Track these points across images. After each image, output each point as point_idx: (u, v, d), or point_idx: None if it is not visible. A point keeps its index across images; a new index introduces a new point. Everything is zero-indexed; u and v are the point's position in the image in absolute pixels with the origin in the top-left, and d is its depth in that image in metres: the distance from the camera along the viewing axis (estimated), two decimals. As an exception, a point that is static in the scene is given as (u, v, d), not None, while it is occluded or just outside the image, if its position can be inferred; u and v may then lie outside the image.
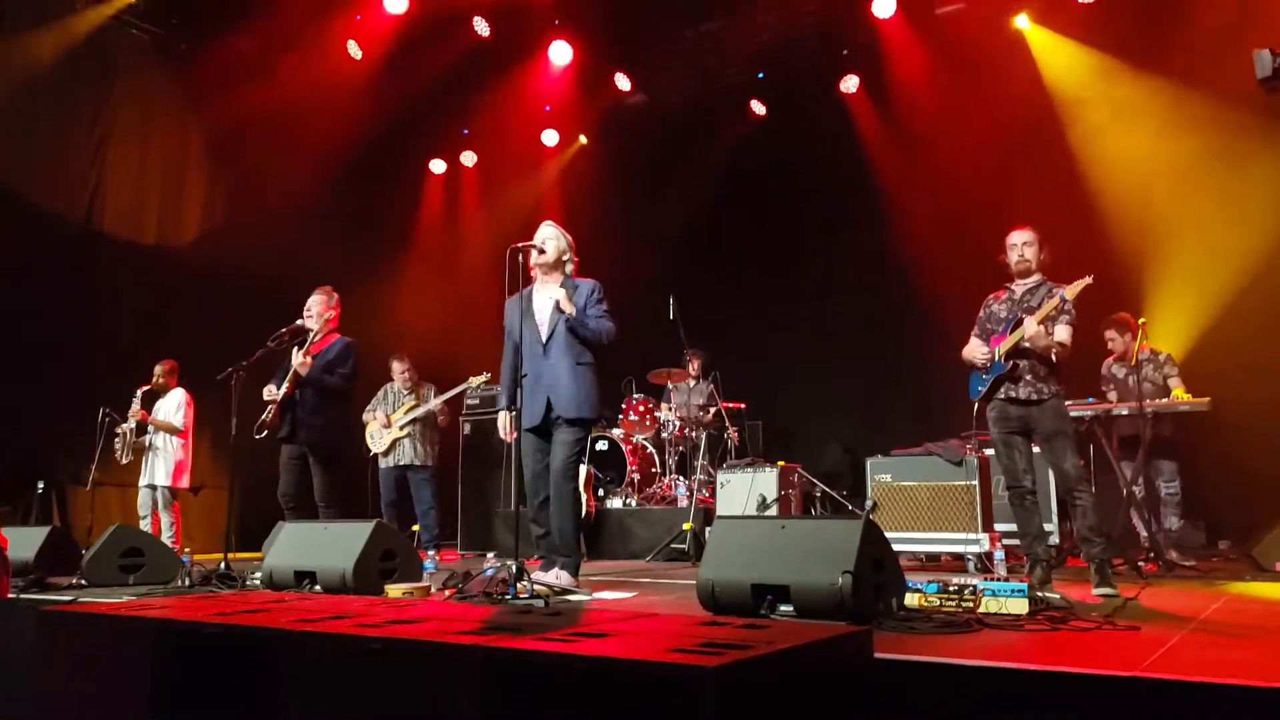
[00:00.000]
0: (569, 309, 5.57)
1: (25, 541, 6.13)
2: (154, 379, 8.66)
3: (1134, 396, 7.25)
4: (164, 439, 8.55)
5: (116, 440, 8.49)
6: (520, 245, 5.62)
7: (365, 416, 8.77)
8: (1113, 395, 7.64)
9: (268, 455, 7.01)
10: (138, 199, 9.74)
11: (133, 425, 8.49)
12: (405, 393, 8.78)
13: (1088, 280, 5.33)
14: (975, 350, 5.59)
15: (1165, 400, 7.27)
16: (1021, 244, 5.56)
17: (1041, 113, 9.43)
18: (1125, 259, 8.70)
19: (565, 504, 5.51)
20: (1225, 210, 8.32)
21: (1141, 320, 7.68)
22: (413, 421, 8.61)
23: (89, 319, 9.14)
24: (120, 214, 9.56)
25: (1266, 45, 3.02)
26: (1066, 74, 9.52)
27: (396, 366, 8.87)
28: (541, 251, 5.73)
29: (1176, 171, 8.61)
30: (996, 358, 5.45)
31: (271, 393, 6.86)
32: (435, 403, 8.59)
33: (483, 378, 8.51)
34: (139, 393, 8.56)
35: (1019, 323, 5.36)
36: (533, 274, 5.86)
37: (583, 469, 6.47)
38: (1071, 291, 5.30)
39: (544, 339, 5.68)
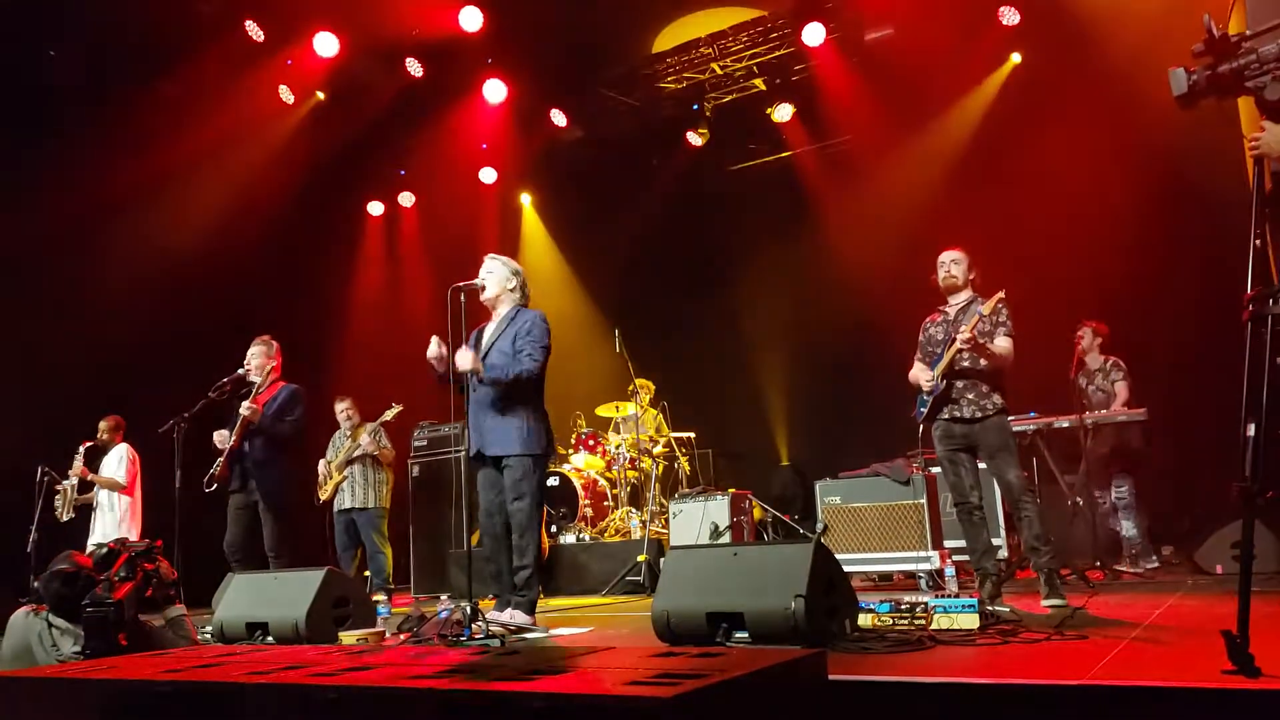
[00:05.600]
0: (467, 366, 5.42)
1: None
2: (98, 434, 8.48)
3: (1093, 407, 7.41)
4: (109, 496, 8.37)
5: (57, 499, 8.29)
6: (461, 285, 5.62)
7: (319, 464, 8.67)
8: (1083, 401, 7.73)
9: (212, 507, 6.88)
10: (66, 246, 9.52)
11: (74, 482, 8.29)
12: (346, 436, 8.68)
13: (1001, 295, 5.49)
14: (920, 375, 5.68)
15: (1104, 412, 7.43)
16: (950, 262, 5.68)
17: (974, 132, 9.60)
18: (1061, 270, 8.88)
19: (522, 543, 5.46)
20: (1156, 220, 8.49)
21: (1080, 332, 7.85)
22: (349, 463, 8.49)
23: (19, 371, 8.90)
24: (48, 263, 9.36)
25: (1181, 64, 3.12)
26: (995, 93, 9.73)
27: (337, 407, 8.75)
28: (482, 288, 5.73)
29: (1111, 184, 8.75)
30: (934, 378, 5.54)
31: (223, 438, 6.74)
32: (364, 440, 8.47)
33: (394, 410, 8.41)
34: (81, 449, 8.36)
35: (953, 343, 5.46)
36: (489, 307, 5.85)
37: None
38: (987, 307, 5.44)
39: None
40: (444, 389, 5.72)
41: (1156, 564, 7.33)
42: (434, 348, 5.64)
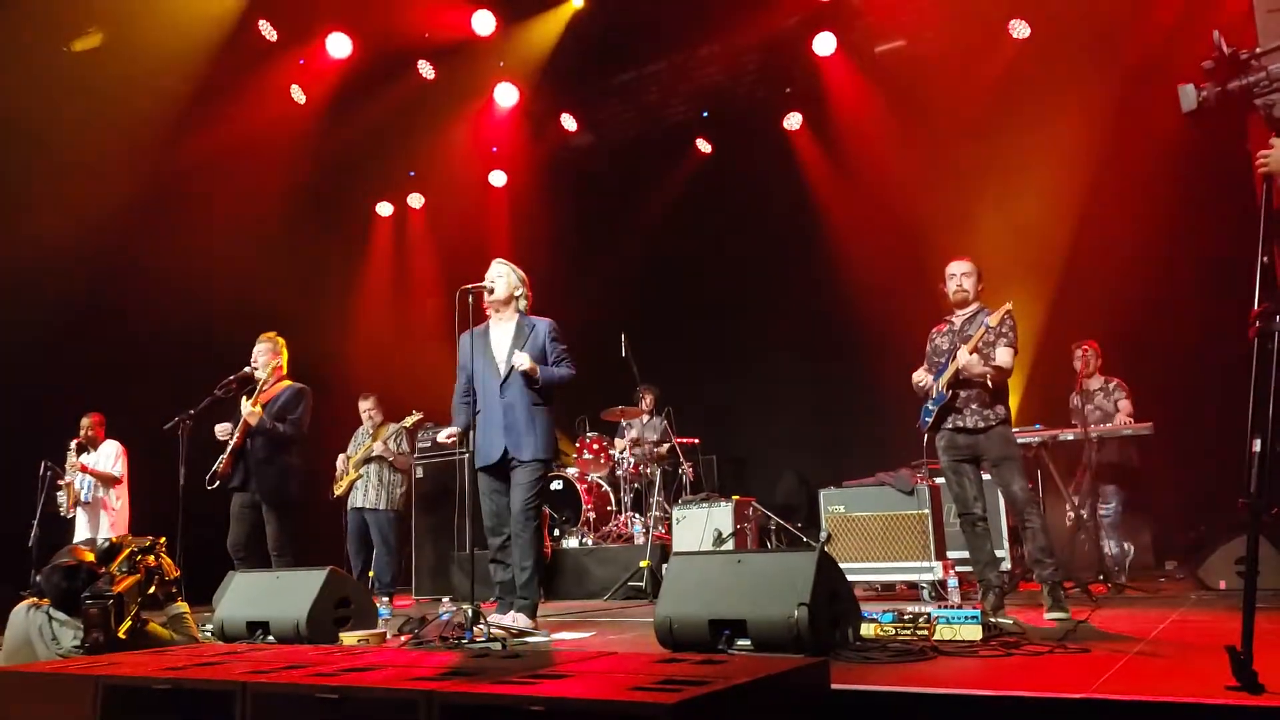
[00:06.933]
0: (527, 366, 5.53)
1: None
2: (82, 432, 8.49)
3: (1086, 424, 7.41)
4: (100, 492, 8.38)
5: (60, 494, 8.30)
6: (470, 287, 5.64)
7: (338, 459, 8.70)
8: (1076, 423, 7.72)
9: (215, 505, 6.88)
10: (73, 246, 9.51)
11: (75, 478, 8.31)
12: (368, 434, 8.68)
13: (1008, 306, 5.49)
14: (924, 376, 5.67)
15: (1109, 425, 7.42)
16: (961, 275, 5.65)
17: (982, 144, 9.59)
18: (1068, 284, 8.87)
19: (526, 545, 5.48)
20: (1163, 235, 8.47)
21: (1084, 348, 7.85)
22: (366, 462, 8.50)
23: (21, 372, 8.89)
24: (54, 261, 9.35)
25: (1190, 80, 3.12)
26: (1004, 107, 9.72)
27: (361, 405, 8.75)
28: (490, 291, 5.76)
29: (1116, 196, 8.74)
30: (939, 388, 5.54)
31: (225, 429, 6.73)
32: (377, 446, 8.48)
33: (415, 416, 8.44)
34: (72, 445, 8.39)
35: (956, 355, 5.46)
36: (486, 311, 5.87)
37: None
38: (995, 319, 5.43)
39: (501, 378, 5.67)
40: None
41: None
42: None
